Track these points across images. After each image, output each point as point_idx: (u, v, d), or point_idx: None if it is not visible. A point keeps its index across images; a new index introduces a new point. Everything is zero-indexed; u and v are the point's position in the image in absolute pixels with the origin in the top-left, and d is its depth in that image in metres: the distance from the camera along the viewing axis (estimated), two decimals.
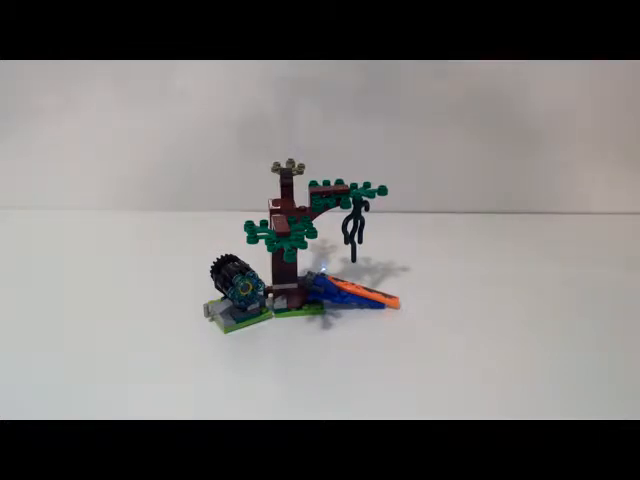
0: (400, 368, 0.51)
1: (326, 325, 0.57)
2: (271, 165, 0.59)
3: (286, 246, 0.52)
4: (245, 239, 0.53)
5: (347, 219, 0.60)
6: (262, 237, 0.53)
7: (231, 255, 0.58)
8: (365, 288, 0.60)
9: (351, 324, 0.57)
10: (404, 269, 0.68)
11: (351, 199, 0.59)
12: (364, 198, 0.59)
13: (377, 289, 0.61)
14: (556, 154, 0.83)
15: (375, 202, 0.59)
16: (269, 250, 0.53)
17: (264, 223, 0.57)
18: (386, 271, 0.67)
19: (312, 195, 0.59)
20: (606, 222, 0.83)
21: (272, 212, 0.58)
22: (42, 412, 0.43)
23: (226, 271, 0.56)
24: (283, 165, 0.59)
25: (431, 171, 0.84)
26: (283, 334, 0.56)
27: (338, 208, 0.59)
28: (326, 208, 0.59)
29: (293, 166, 0.59)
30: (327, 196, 0.59)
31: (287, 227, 0.54)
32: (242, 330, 0.56)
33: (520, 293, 0.64)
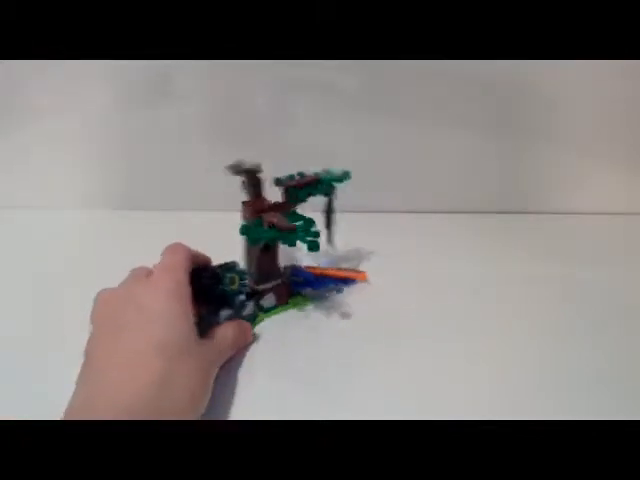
0: (399, 367, 0.51)
1: (324, 324, 0.57)
2: (230, 167, 0.54)
3: (302, 239, 0.50)
4: (240, 240, 0.53)
5: (326, 205, 0.59)
6: (266, 237, 0.52)
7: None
8: (332, 268, 0.61)
9: (350, 323, 0.57)
10: (404, 269, 0.68)
11: (327, 186, 0.58)
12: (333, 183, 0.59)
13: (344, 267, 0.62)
14: (556, 154, 0.83)
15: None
16: (289, 245, 0.51)
17: (258, 224, 0.55)
18: (384, 271, 0.67)
19: (288, 189, 0.57)
20: (606, 222, 0.83)
21: (257, 212, 0.55)
22: (42, 412, 0.43)
23: (210, 290, 0.54)
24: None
25: (431, 171, 0.84)
26: (281, 334, 0.56)
27: (315, 204, 0.58)
28: (303, 199, 0.58)
29: (253, 167, 0.55)
30: (302, 188, 0.57)
31: (289, 223, 0.53)
32: None
33: (520, 293, 0.64)
